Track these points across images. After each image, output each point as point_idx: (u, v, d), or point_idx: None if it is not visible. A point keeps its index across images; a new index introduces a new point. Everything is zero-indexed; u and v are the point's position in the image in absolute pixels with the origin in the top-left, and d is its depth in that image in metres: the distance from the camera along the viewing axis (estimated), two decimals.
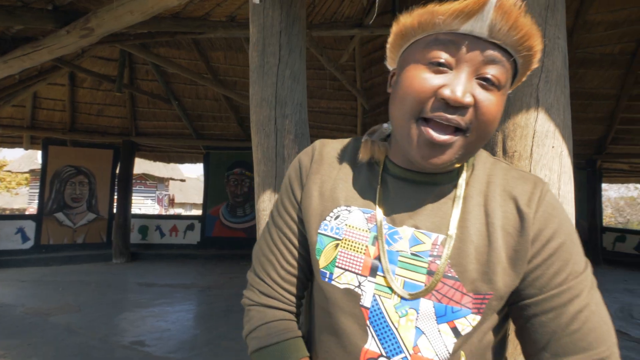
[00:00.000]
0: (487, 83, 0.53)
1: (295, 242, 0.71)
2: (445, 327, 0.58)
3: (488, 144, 0.93)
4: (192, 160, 9.69)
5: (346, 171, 0.70)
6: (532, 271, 0.58)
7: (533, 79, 0.87)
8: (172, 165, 16.26)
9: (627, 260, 8.04)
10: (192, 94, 7.63)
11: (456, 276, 0.58)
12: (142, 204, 18.00)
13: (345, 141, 0.74)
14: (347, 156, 0.71)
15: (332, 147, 0.73)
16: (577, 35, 5.92)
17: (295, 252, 0.72)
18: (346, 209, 0.66)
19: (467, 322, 0.58)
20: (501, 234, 0.58)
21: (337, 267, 0.64)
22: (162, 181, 19.12)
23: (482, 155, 0.67)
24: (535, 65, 0.58)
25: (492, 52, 0.53)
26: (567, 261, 0.57)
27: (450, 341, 0.57)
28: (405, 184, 0.64)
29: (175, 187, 22.99)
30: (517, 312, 0.61)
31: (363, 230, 0.63)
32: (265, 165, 1.23)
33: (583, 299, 0.56)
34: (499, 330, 0.63)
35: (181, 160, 9.71)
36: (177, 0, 1.69)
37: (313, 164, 0.71)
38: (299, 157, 0.75)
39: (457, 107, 0.53)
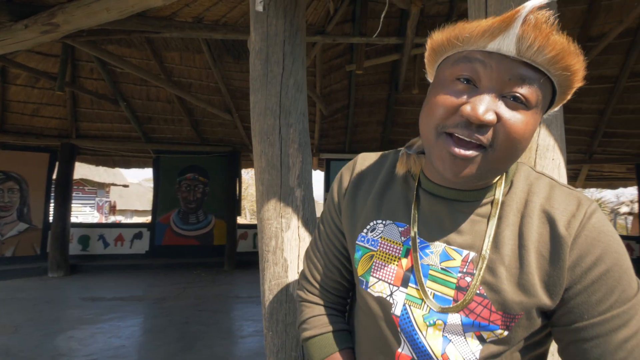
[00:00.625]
0: (514, 101, 0.53)
1: (338, 250, 0.78)
2: (471, 336, 0.60)
3: None
4: (140, 164, 9.16)
5: (383, 185, 0.73)
6: (573, 298, 0.56)
7: None
8: (114, 169, 15.22)
9: None
10: (142, 95, 7.23)
11: (485, 294, 0.58)
12: (80, 212, 16.62)
13: (385, 154, 0.78)
14: (386, 169, 0.75)
15: (371, 160, 0.77)
16: None
17: (338, 259, 0.78)
18: (382, 222, 0.70)
19: (494, 335, 0.59)
20: (534, 257, 0.57)
21: (372, 276, 0.68)
22: (102, 187, 17.80)
23: (524, 170, 0.65)
24: (577, 84, 0.56)
25: (520, 71, 0.52)
26: (613, 288, 0.55)
27: (477, 348, 0.60)
28: (439, 199, 0.65)
29: (116, 194, 21.53)
30: (558, 334, 0.60)
31: (396, 243, 0.67)
32: (270, 174, 1.21)
33: (632, 327, 0.54)
34: (536, 348, 0.63)
35: (127, 164, 9.13)
36: (162, 1, 1.60)
37: (353, 178, 0.76)
38: (341, 172, 0.80)
39: (479, 125, 0.53)
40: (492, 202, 0.63)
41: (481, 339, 0.60)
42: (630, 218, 13.69)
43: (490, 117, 0.52)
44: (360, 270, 0.70)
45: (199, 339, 3.89)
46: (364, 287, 0.69)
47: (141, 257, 8.34)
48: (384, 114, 7.90)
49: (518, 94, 0.53)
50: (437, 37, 0.59)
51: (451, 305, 0.60)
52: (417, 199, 0.68)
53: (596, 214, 0.58)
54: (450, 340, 0.61)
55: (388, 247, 0.67)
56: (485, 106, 0.52)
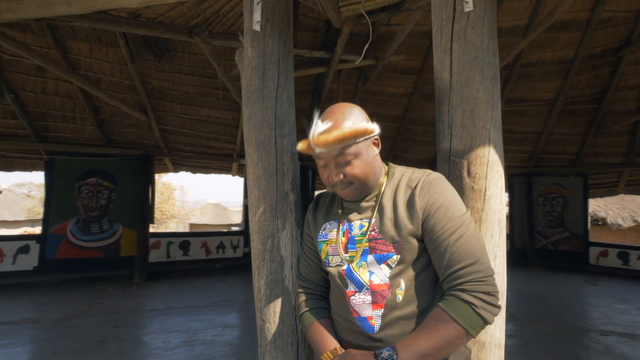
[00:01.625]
0: (344, 164, 1.02)
1: (314, 250, 1.18)
2: (383, 266, 1.01)
3: (456, 167, 1.28)
4: (28, 167, 7.94)
5: (326, 206, 1.20)
6: (427, 224, 0.98)
7: (487, 125, 1.26)
8: None
9: None
10: (36, 87, 6.34)
11: (380, 236, 1.02)
12: None
13: (326, 192, 1.24)
14: (325, 198, 1.24)
15: (323, 195, 1.25)
16: (423, 75, 7.40)
17: (314, 256, 1.19)
18: (328, 224, 1.15)
19: (394, 260, 0.99)
20: (402, 208, 1.02)
21: (330, 255, 1.10)
22: None
23: (398, 169, 1.14)
24: (369, 132, 1.05)
25: (336, 154, 1.01)
26: (445, 214, 0.97)
27: (387, 272, 1.00)
28: (351, 203, 1.12)
29: None
30: (428, 248, 1.00)
31: (335, 232, 1.12)
32: (267, 180, 1.32)
33: (459, 232, 0.95)
34: (423, 270, 1.01)
35: (10, 167, 7.84)
36: (137, 3, 1.55)
37: (314, 207, 1.23)
38: (310, 206, 1.24)
39: (336, 184, 1.05)
40: (378, 193, 1.09)
41: (388, 266, 1.00)
42: None
43: (338, 175, 1.04)
44: (322, 255, 1.13)
45: (122, 356, 3.61)
46: (327, 265, 1.11)
47: (28, 274, 7.22)
48: (306, 122, 8.22)
49: (345, 161, 1.03)
50: (300, 147, 1.11)
51: (361, 249, 1.04)
52: (342, 206, 1.15)
53: (433, 176, 1.05)
54: (373, 272, 1.01)
55: (332, 236, 1.12)
56: (334, 174, 1.04)
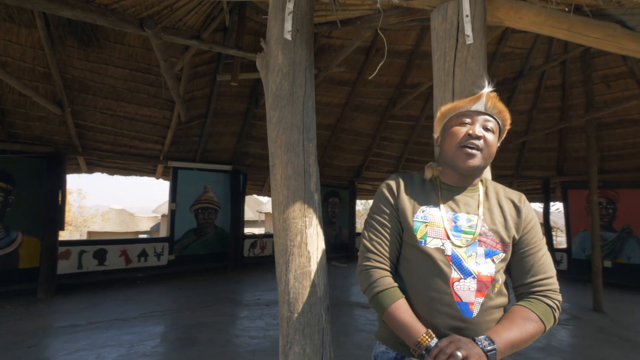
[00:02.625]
0: (487, 130, 1.15)
1: (394, 228, 1.19)
2: (489, 260, 1.12)
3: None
4: None
5: (416, 185, 1.23)
6: (524, 235, 1.16)
7: None
8: None
9: None
10: None
11: (490, 233, 1.14)
12: None
13: (411, 173, 1.29)
14: (417, 180, 1.26)
15: (404, 177, 1.26)
16: (356, 88, 7.89)
17: (395, 236, 1.19)
18: (426, 207, 1.18)
19: (498, 257, 1.13)
20: (510, 216, 1.17)
21: (429, 236, 1.13)
22: None
23: (490, 181, 1.29)
24: (508, 127, 1.21)
25: (487, 117, 1.15)
26: (537, 232, 1.18)
27: (493, 266, 1.11)
28: (452, 192, 1.20)
29: None
30: (514, 254, 1.17)
31: (439, 217, 1.15)
32: (296, 180, 1.40)
33: (543, 249, 1.17)
34: (507, 273, 1.21)
35: None
36: None
37: (399, 186, 1.23)
38: (387, 183, 1.25)
39: (476, 138, 1.12)
40: (478, 193, 1.20)
41: (493, 261, 1.12)
42: None
43: (481, 132, 1.13)
44: (419, 234, 1.14)
45: None
46: (422, 244, 1.13)
47: None
48: (240, 126, 8.11)
49: (488, 127, 1.15)
50: (444, 109, 1.22)
51: (470, 240, 1.12)
52: (439, 192, 1.20)
53: (524, 197, 1.24)
54: (479, 263, 1.10)
55: (435, 219, 1.15)
56: (478, 130, 1.13)
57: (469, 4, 1.51)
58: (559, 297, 1.10)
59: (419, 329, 1.03)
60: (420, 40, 6.99)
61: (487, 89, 1.16)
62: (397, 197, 1.19)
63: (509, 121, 1.20)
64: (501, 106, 1.17)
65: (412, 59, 7.32)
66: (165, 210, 20.61)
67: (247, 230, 13.01)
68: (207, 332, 4.30)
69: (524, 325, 1.03)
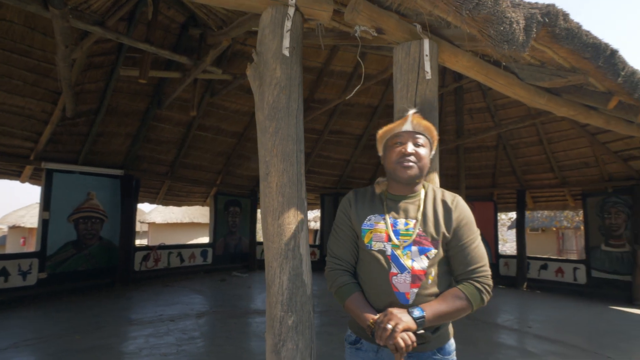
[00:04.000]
0: (418, 145, 1.36)
1: (352, 236, 1.41)
2: (423, 256, 1.32)
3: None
4: None
5: (368, 200, 1.44)
6: (457, 231, 1.33)
7: (435, 158, 1.85)
8: None
9: None
10: None
11: (424, 234, 1.33)
12: None
13: (365, 188, 1.50)
14: (369, 193, 1.48)
15: (359, 191, 1.49)
16: None
17: (352, 242, 1.41)
18: (373, 216, 1.39)
19: (431, 253, 1.32)
20: (441, 217, 1.35)
21: (373, 241, 1.35)
22: None
23: (429, 186, 1.48)
24: (435, 138, 1.46)
25: (416, 135, 1.37)
26: (469, 228, 1.35)
27: (426, 261, 1.31)
28: (395, 202, 1.40)
29: None
30: (450, 250, 1.35)
31: (382, 224, 1.37)
32: (290, 188, 1.48)
33: (476, 242, 1.34)
34: (446, 264, 1.37)
35: None
36: None
37: (353, 201, 1.45)
38: (347, 197, 1.47)
39: (408, 155, 1.34)
40: (419, 199, 1.40)
41: (427, 257, 1.32)
42: None
43: (412, 149, 1.34)
44: (365, 240, 1.37)
45: None
46: (369, 248, 1.35)
47: None
48: (137, 127, 7.41)
49: (419, 143, 1.37)
50: (381, 132, 1.43)
51: (407, 242, 1.33)
52: (386, 202, 1.41)
53: (460, 199, 1.43)
54: (414, 260, 1.31)
55: (378, 226, 1.36)
56: (410, 147, 1.34)
57: (428, 45, 1.84)
58: (489, 282, 1.32)
59: (369, 316, 1.27)
60: (330, 59, 7.51)
61: (412, 111, 1.42)
62: (351, 209, 1.42)
63: (435, 133, 1.45)
64: (426, 123, 1.41)
65: (321, 76, 7.79)
66: (17, 220, 17.12)
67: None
68: (110, 355, 3.83)
69: (453, 302, 1.27)
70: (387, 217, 1.36)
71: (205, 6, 3.85)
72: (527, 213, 11.31)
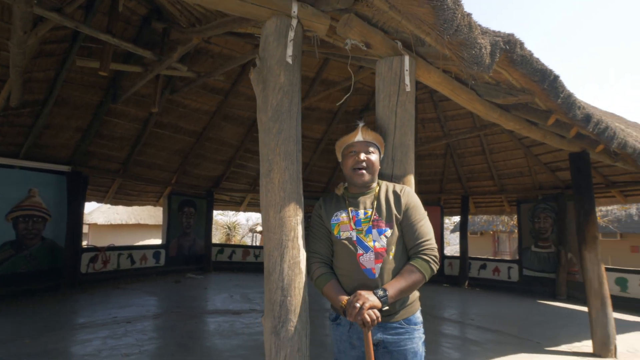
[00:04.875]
0: (369, 153, 1.65)
1: (324, 232, 1.66)
2: (382, 237, 1.56)
3: (382, 172, 2.03)
4: None
5: (334, 201, 1.69)
6: (405, 213, 1.58)
7: (412, 161, 2.09)
8: None
9: (225, 266, 10.82)
10: None
11: (379, 218, 1.57)
12: None
13: (332, 193, 1.74)
14: (333, 197, 1.73)
15: (327, 197, 1.75)
16: (229, 98, 7.95)
17: (324, 236, 1.66)
18: (338, 212, 1.65)
19: (388, 233, 1.56)
20: (392, 203, 1.60)
21: (341, 231, 1.61)
22: None
23: (383, 182, 1.73)
24: (382, 144, 1.78)
25: (366, 143, 1.67)
26: (416, 209, 1.60)
27: (385, 240, 1.55)
28: (355, 198, 1.65)
29: None
30: (403, 229, 1.58)
31: (345, 216, 1.62)
32: (291, 184, 1.61)
33: (422, 221, 1.58)
34: (399, 242, 1.59)
35: None
36: None
37: (323, 205, 1.71)
38: (317, 204, 1.73)
39: (361, 162, 1.62)
40: (373, 193, 1.65)
41: (385, 237, 1.55)
42: (259, 235, 18.80)
43: (364, 157, 1.64)
44: (335, 232, 1.61)
45: None
46: (338, 237, 1.60)
47: None
48: (88, 121, 7.02)
49: (369, 150, 1.66)
50: (339, 143, 1.73)
51: (367, 226, 1.58)
52: (347, 200, 1.66)
53: (408, 189, 1.72)
54: (375, 240, 1.55)
55: (343, 219, 1.61)
56: (362, 155, 1.64)
57: (408, 61, 2.08)
58: (435, 253, 1.54)
59: (340, 298, 1.49)
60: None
61: (361, 123, 1.68)
62: (322, 211, 1.67)
63: (381, 141, 1.74)
64: (373, 134, 1.70)
65: None
66: None
67: None
68: (66, 358, 3.65)
69: (409, 276, 1.49)
70: (349, 210, 1.62)
71: (179, 2, 3.82)
72: (469, 217, 12.17)
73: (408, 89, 2.07)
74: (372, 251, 1.53)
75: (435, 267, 1.52)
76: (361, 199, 1.63)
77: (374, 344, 1.51)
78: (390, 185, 1.70)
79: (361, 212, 1.60)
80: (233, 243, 20.09)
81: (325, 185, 11.29)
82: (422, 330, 1.63)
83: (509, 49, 2.08)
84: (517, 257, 9.38)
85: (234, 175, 10.35)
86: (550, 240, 8.63)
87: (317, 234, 1.65)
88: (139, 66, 5.59)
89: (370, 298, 1.39)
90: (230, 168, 9.95)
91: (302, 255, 1.67)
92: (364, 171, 1.60)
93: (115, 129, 7.49)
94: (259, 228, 18.16)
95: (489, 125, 7.49)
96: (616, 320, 4.50)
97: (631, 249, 11.76)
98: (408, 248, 1.58)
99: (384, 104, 2.08)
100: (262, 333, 4.83)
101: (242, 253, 11.32)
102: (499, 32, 2.09)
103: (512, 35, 2.10)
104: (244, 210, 12.15)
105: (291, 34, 1.69)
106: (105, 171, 8.14)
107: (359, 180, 1.60)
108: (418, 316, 1.63)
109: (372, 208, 1.59)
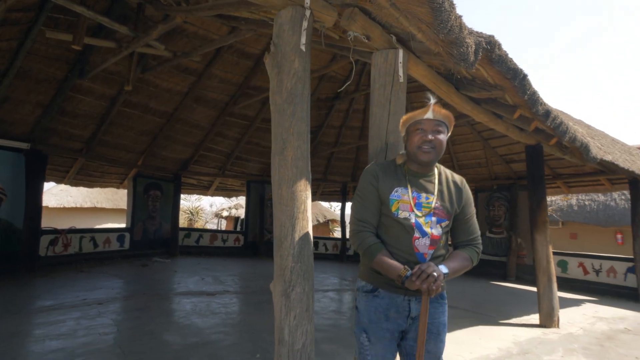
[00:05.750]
0: (438, 132, 1.56)
1: (376, 203, 1.61)
2: (439, 226, 1.57)
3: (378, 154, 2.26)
4: None
5: (391, 170, 1.66)
6: (463, 208, 1.63)
7: (385, 136, 2.32)
8: None
9: (192, 251, 10.74)
10: None
11: (440, 207, 1.58)
12: None
13: (387, 161, 1.74)
14: (390, 166, 1.68)
15: (382, 164, 1.70)
16: (202, 79, 7.81)
17: (376, 208, 1.61)
18: (399, 188, 1.60)
19: (445, 224, 1.58)
20: (454, 194, 1.62)
21: (400, 210, 1.57)
22: None
23: (441, 167, 1.71)
24: (452, 124, 1.62)
25: (436, 122, 1.56)
26: (471, 205, 1.66)
27: (441, 230, 1.57)
28: (416, 177, 1.62)
29: None
30: (456, 221, 1.64)
31: (407, 196, 1.59)
32: (302, 162, 1.75)
33: (474, 217, 1.67)
34: (448, 233, 1.65)
35: None
36: None
37: (378, 174, 1.64)
38: (371, 169, 1.65)
39: (429, 142, 1.54)
40: (434, 177, 1.64)
41: (441, 227, 1.58)
42: (224, 221, 18.64)
43: (432, 137, 1.55)
44: (393, 208, 1.57)
45: None
46: (395, 215, 1.56)
47: None
48: (51, 96, 6.66)
49: (439, 129, 1.57)
50: (405, 118, 1.65)
51: (428, 212, 1.58)
52: (407, 177, 1.63)
53: (465, 181, 1.74)
54: (433, 228, 1.56)
55: (404, 198, 1.58)
56: (430, 134, 1.55)
57: (402, 54, 2.29)
58: (481, 247, 1.65)
59: (400, 266, 1.48)
60: (269, 47, 7.64)
61: (433, 100, 1.57)
62: (377, 180, 1.61)
63: (452, 119, 1.61)
64: (445, 112, 1.58)
65: (258, 63, 7.89)
66: None
67: None
68: (39, 338, 3.60)
69: (463, 262, 1.57)
70: (411, 190, 1.59)
71: None
72: None
73: (401, 79, 2.28)
74: (428, 237, 1.54)
75: (479, 258, 1.63)
76: (423, 181, 1.61)
77: (411, 318, 1.59)
78: (449, 172, 1.71)
79: (423, 195, 1.58)
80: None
81: None
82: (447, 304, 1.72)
83: (489, 49, 2.35)
84: None
85: (203, 158, 10.22)
86: (503, 226, 9.39)
87: (367, 203, 1.59)
88: (112, 41, 5.39)
89: (440, 271, 1.42)
90: (199, 151, 9.81)
91: (310, 226, 1.85)
92: (431, 150, 1.54)
93: (79, 106, 7.15)
94: (225, 213, 17.97)
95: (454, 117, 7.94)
96: (559, 298, 5.10)
97: (570, 235, 13.02)
98: (459, 239, 1.65)
99: (379, 93, 2.28)
100: (239, 313, 4.98)
101: (209, 237, 11.27)
102: (481, 33, 2.35)
103: (493, 36, 2.37)
104: (212, 195, 12.04)
105: (305, 24, 1.83)
106: (67, 150, 7.78)
107: (424, 158, 1.55)
108: (445, 291, 1.71)
109: (435, 195, 1.59)
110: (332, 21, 2.05)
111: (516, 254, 8.95)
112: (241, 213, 17.39)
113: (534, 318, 5.06)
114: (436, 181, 1.62)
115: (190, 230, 11.41)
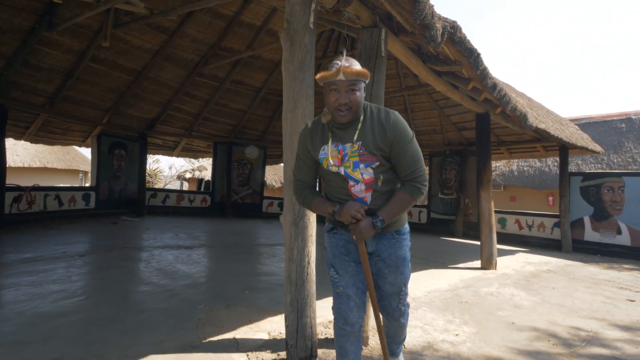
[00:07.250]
0: (352, 92, 1.55)
1: (311, 162, 1.75)
2: (369, 168, 1.62)
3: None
4: None
5: (318, 130, 1.72)
6: (392, 145, 1.58)
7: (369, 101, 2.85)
8: None
9: (159, 211, 10.88)
10: None
11: (365, 152, 1.59)
12: None
13: (315, 119, 1.76)
14: (318, 125, 1.74)
15: (312, 125, 1.75)
16: (174, 38, 7.71)
17: (312, 165, 1.76)
18: (325, 146, 1.68)
19: (375, 165, 1.61)
20: (378, 136, 1.58)
21: (329, 165, 1.66)
22: None
23: (369, 107, 1.67)
24: (367, 77, 1.58)
25: (350, 82, 1.54)
26: (402, 138, 1.57)
27: (372, 171, 1.62)
28: (340, 130, 1.64)
29: None
30: (392, 159, 1.62)
31: (334, 150, 1.65)
32: (309, 119, 2.26)
33: (410, 150, 1.59)
34: (389, 172, 1.67)
35: None
36: None
37: (308, 135, 1.74)
38: (303, 132, 1.77)
39: (344, 104, 1.55)
40: (359, 124, 1.62)
41: (372, 169, 1.62)
42: (187, 183, 18.56)
43: (346, 99, 1.55)
44: (324, 165, 1.68)
45: None
46: (328, 170, 1.67)
47: None
48: (15, 47, 6.38)
49: (353, 88, 1.56)
50: (319, 76, 1.58)
51: (355, 161, 1.62)
52: (332, 131, 1.67)
53: (395, 114, 1.64)
54: (363, 173, 1.62)
55: (331, 153, 1.64)
56: (343, 98, 1.55)
57: (384, 32, 2.76)
58: (423, 178, 1.62)
59: (329, 204, 1.67)
60: (243, 9, 7.68)
61: (340, 63, 1.54)
62: (308, 142, 1.72)
63: (366, 73, 1.58)
64: (356, 70, 1.54)
65: (231, 25, 7.92)
66: None
67: None
68: (28, 284, 3.87)
69: (401, 201, 1.62)
70: (336, 145, 1.65)
71: None
72: None
73: (383, 54, 2.76)
74: (362, 183, 1.62)
75: (424, 189, 1.64)
76: (345, 132, 1.63)
77: (368, 253, 1.72)
78: (375, 111, 1.66)
79: (348, 146, 1.61)
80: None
81: (262, 134, 11.69)
82: (409, 238, 1.81)
83: (452, 32, 2.88)
84: (427, 203, 11.14)
85: (170, 118, 10.17)
86: (453, 188, 10.45)
87: (302, 164, 1.75)
88: None
89: (359, 205, 1.58)
90: (167, 111, 9.76)
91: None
92: (346, 112, 1.55)
93: (45, 59, 6.91)
94: (189, 175, 17.89)
95: (414, 87, 8.59)
96: (497, 249, 6.09)
97: (510, 198, 14.64)
98: (400, 176, 1.66)
99: (365, 64, 2.76)
100: (221, 261, 5.41)
101: (176, 198, 11.43)
102: (447, 18, 2.87)
103: (455, 22, 2.90)
104: (177, 155, 12.04)
105: (313, 5, 2.24)
106: (29, 105, 7.52)
107: (342, 120, 1.57)
108: (406, 227, 1.81)
109: (356, 141, 1.60)
110: (333, 2, 2.47)
111: (464, 212, 10.06)
112: (205, 175, 17.39)
113: (477, 263, 6.01)
114: (359, 126, 1.63)
115: (156, 190, 11.46)
